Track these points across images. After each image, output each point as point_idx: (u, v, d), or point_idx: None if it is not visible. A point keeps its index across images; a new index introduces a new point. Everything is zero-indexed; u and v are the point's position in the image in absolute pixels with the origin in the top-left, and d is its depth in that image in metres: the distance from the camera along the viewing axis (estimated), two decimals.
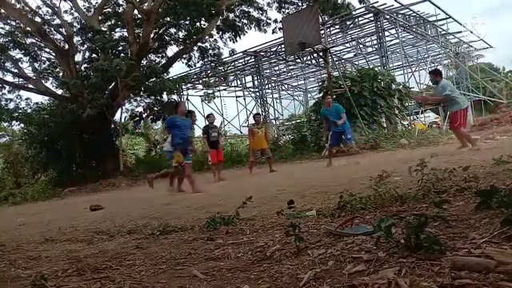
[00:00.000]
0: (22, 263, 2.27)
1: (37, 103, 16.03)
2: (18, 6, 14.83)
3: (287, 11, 16.69)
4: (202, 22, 15.85)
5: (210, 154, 8.87)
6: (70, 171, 14.43)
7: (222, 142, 10.44)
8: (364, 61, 19.47)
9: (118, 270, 1.86)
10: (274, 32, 17.35)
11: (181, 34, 16.56)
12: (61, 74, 16.15)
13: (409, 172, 2.94)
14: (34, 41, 15.89)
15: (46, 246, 2.85)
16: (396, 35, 16.66)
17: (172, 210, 4.31)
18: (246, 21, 17.00)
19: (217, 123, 11.44)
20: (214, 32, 16.77)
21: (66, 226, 4.01)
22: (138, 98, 15.97)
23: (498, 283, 1.06)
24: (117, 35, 16.41)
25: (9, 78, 15.78)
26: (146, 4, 14.61)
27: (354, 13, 16.62)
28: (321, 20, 14.30)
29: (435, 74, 7.33)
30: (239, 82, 23.07)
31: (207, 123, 9.55)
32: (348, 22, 17.20)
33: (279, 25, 15.98)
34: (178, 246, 2.26)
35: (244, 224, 2.67)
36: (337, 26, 17.69)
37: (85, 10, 16.52)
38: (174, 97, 18.65)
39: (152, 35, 15.23)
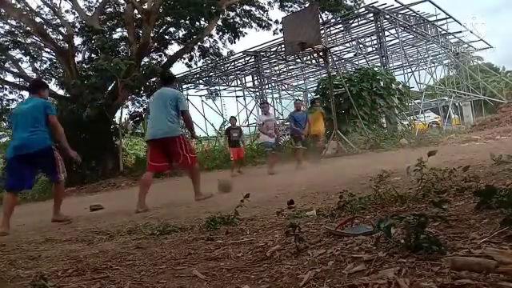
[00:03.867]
0: (22, 263, 2.27)
1: None
2: (18, 5, 14.83)
3: (291, 9, 16.73)
4: (202, 22, 15.87)
5: (230, 151, 10.33)
6: (69, 171, 14.41)
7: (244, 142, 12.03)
8: (364, 61, 19.47)
9: (118, 270, 1.86)
10: (274, 33, 17.41)
11: (181, 34, 16.59)
12: (61, 75, 16.15)
13: (407, 172, 2.94)
14: (34, 41, 15.90)
15: (45, 245, 2.85)
16: (396, 35, 16.66)
17: (172, 210, 4.31)
18: (247, 20, 17.03)
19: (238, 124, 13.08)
20: (214, 32, 16.80)
21: (66, 226, 4.02)
22: (139, 98, 15.99)
23: (498, 283, 1.07)
24: (117, 35, 16.45)
25: (9, 77, 15.81)
26: (146, 4, 14.61)
27: (354, 13, 16.64)
28: (321, 20, 14.30)
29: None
30: (239, 82, 23.09)
31: (229, 125, 10.96)
32: (349, 22, 17.20)
33: (280, 26, 16.01)
34: (178, 246, 2.26)
35: (244, 224, 2.67)
36: (337, 26, 17.70)
37: (85, 10, 16.54)
38: None
39: (152, 35, 15.23)
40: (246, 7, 17.03)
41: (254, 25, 17.27)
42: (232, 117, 11.47)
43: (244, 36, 17.05)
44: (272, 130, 8.77)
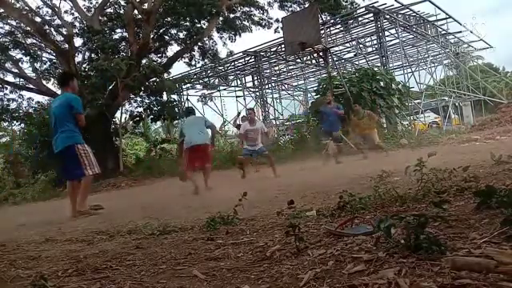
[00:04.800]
0: (22, 263, 2.27)
1: (38, 102, 16.06)
2: (18, 5, 14.82)
3: (290, 9, 16.74)
4: (203, 22, 15.86)
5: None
6: None
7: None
8: (364, 61, 19.47)
9: (118, 270, 1.86)
10: (276, 31, 17.40)
11: (181, 34, 16.58)
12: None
13: (405, 172, 2.95)
14: (34, 41, 15.88)
15: (46, 245, 2.85)
16: (396, 35, 16.65)
17: (172, 210, 4.31)
18: (247, 23, 17.04)
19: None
20: (214, 32, 16.80)
21: (66, 226, 4.01)
22: (138, 98, 15.97)
23: (498, 283, 1.07)
24: (117, 35, 16.44)
25: (9, 78, 15.80)
26: (145, 4, 14.61)
27: (354, 13, 16.64)
28: (321, 20, 14.29)
29: None
30: (239, 82, 23.08)
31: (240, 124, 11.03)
32: (348, 22, 17.21)
33: (280, 25, 15.99)
34: (178, 246, 2.26)
35: (244, 224, 2.67)
36: (337, 26, 17.70)
37: (85, 10, 16.53)
38: (174, 96, 18.69)
39: (152, 35, 15.23)
40: (246, 8, 17.02)
41: (254, 27, 17.29)
42: (244, 117, 11.89)
43: (245, 32, 17.02)
44: (253, 142, 7.97)
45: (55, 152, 4.85)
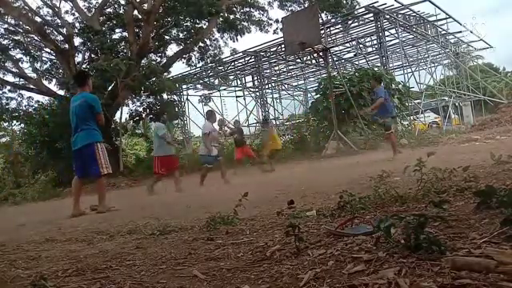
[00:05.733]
0: (22, 263, 2.27)
1: (38, 101, 16.05)
2: (18, 5, 14.81)
3: (290, 8, 16.75)
4: (203, 22, 15.87)
5: (235, 152, 10.97)
6: (70, 171, 14.35)
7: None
8: (364, 61, 19.47)
9: (118, 270, 1.86)
10: (275, 32, 17.43)
11: (181, 34, 16.59)
12: (61, 75, 16.12)
13: (403, 172, 2.95)
14: (34, 41, 15.87)
15: (46, 245, 2.85)
16: (396, 35, 16.66)
17: (172, 210, 4.31)
18: (246, 23, 17.05)
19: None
20: (215, 31, 16.80)
21: (66, 226, 4.01)
22: (139, 98, 15.97)
23: (498, 283, 1.07)
24: (117, 35, 16.44)
25: (9, 77, 15.79)
26: (145, 4, 14.61)
27: (354, 12, 16.65)
28: (321, 20, 14.30)
29: None
30: (239, 82, 23.08)
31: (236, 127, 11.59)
32: (348, 22, 17.22)
33: (280, 25, 16.01)
34: (178, 246, 2.26)
35: (244, 224, 2.67)
36: (337, 26, 17.71)
37: (85, 10, 16.52)
38: (174, 96, 18.69)
39: (152, 35, 15.23)
40: (246, 9, 17.04)
41: (254, 28, 17.32)
42: (236, 121, 12.49)
43: (245, 33, 17.04)
44: (215, 142, 8.22)
45: (74, 149, 4.98)
